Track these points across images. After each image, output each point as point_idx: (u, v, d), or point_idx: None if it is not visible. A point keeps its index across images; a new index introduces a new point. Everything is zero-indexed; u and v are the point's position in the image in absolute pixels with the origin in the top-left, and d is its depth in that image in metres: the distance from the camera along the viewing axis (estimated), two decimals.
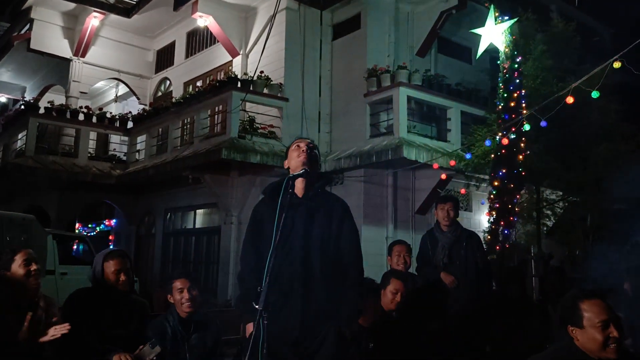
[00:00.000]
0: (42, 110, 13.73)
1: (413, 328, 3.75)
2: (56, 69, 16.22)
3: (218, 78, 12.40)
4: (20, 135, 13.77)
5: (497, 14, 7.79)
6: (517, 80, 7.76)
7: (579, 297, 2.51)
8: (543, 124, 6.36)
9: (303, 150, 3.05)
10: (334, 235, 3.00)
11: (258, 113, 11.43)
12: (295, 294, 2.88)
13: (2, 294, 3.17)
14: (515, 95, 7.67)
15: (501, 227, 7.43)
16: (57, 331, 3.19)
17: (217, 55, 13.78)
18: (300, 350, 2.86)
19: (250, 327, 2.88)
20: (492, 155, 7.92)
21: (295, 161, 3.06)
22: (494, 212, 7.59)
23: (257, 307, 2.49)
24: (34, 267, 3.41)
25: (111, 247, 15.55)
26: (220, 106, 11.63)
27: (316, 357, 2.87)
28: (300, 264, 2.91)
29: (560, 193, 9.59)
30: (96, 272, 3.54)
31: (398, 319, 3.86)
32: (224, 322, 4.35)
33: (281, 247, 2.80)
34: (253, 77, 11.24)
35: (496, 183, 7.58)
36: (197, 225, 13.95)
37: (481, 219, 10.76)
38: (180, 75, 15.06)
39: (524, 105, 7.62)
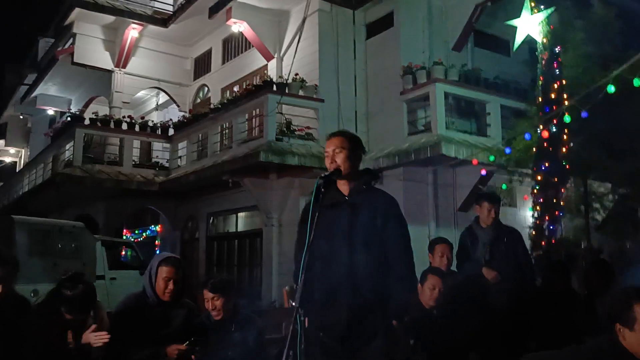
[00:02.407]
0: (87, 121, 14.18)
1: (454, 324, 3.72)
2: (99, 81, 16.71)
3: (254, 82, 12.54)
4: (67, 146, 14.22)
5: (533, 4, 7.61)
6: (557, 71, 7.56)
7: (636, 298, 2.41)
8: (584, 114, 6.18)
9: (330, 160, 3.06)
10: (378, 231, 2.98)
11: (294, 115, 11.49)
12: (342, 290, 2.91)
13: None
14: (556, 86, 7.47)
15: (546, 222, 7.25)
16: (97, 339, 3.30)
17: (253, 60, 13.94)
18: (349, 345, 2.90)
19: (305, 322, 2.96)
20: (534, 149, 7.74)
21: (328, 167, 3.09)
22: (538, 207, 7.41)
23: (293, 304, 2.55)
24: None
25: (157, 252, 15.94)
26: (257, 110, 11.75)
27: (366, 351, 2.90)
28: (345, 260, 2.93)
29: (609, 185, 9.28)
30: (150, 275, 3.66)
31: (438, 315, 3.84)
32: (268, 323, 4.42)
33: (327, 245, 2.89)
34: (288, 79, 11.32)
35: (539, 177, 7.40)
36: (239, 229, 14.12)
37: (526, 215, 10.49)
38: (218, 81, 15.31)
39: (565, 96, 7.41)
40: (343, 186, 3.06)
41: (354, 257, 2.93)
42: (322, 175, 2.96)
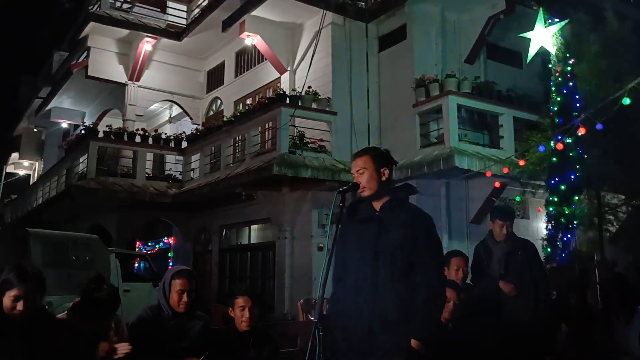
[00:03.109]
0: (101, 134, 14.32)
1: (470, 337, 3.70)
2: (113, 94, 16.90)
3: (267, 95, 12.61)
4: (81, 159, 14.36)
5: (546, 17, 7.63)
6: (571, 83, 7.55)
7: None
8: (599, 126, 6.17)
9: (356, 182, 3.08)
10: (406, 248, 2.96)
11: (307, 128, 11.53)
12: (365, 305, 2.92)
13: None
14: (569, 98, 7.46)
15: (560, 235, 7.21)
16: (120, 350, 3.34)
17: (266, 73, 14.04)
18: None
19: None
20: (548, 161, 7.71)
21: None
22: (551, 220, 7.37)
23: (312, 318, 2.56)
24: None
25: (170, 264, 15.97)
26: (270, 123, 11.82)
27: None
28: (370, 275, 2.95)
29: (623, 197, 9.22)
30: (164, 288, 3.70)
31: (454, 329, 3.82)
32: (281, 336, 4.42)
33: (355, 260, 2.97)
34: (301, 92, 11.38)
35: (553, 189, 7.36)
36: (252, 241, 14.13)
37: (539, 227, 10.45)
38: (231, 94, 15.42)
39: (578, 108, 7.40)
40: (375, 203, 3.08)
41: (379, 272, 2.94)
42: (340, 189, 2.99)
